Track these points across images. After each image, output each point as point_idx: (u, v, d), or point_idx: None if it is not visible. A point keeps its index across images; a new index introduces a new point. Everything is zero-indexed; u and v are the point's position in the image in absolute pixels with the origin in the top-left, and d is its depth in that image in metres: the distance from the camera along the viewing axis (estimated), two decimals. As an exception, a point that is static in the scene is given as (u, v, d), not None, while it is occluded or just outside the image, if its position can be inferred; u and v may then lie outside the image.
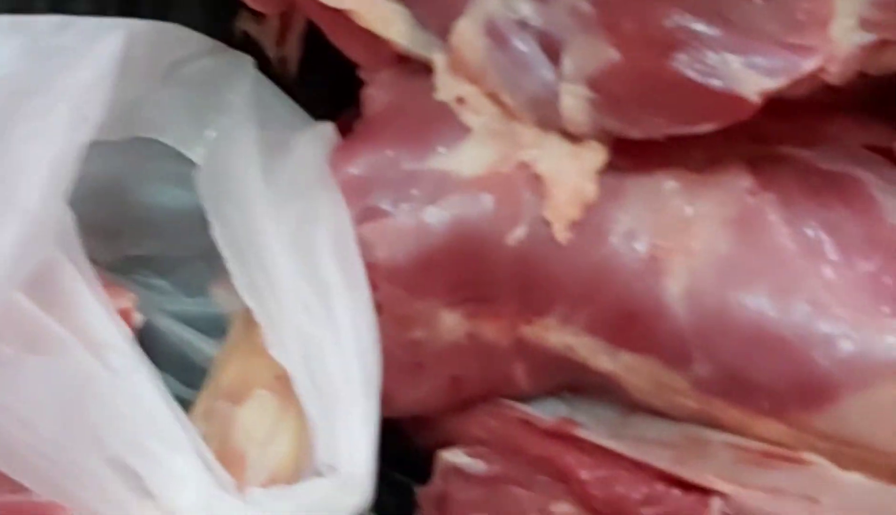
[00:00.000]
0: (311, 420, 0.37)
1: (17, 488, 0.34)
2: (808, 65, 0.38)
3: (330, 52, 0.47)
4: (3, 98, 0.37)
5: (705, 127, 0.39)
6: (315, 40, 0.51)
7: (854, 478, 0.38)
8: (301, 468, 0.38)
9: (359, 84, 0.46)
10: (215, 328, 0.46)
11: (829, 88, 0.41)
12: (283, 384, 0.39)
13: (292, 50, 0.53)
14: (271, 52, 0.52)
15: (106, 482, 0.34)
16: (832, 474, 0.39)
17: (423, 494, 0.44)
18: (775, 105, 0.43)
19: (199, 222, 0.44)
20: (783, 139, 0.43)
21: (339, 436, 0.36)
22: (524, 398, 0.44)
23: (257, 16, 0.51)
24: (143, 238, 0.47)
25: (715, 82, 0.38)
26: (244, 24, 0.52)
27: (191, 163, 0.45)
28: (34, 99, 0.37)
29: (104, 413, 0.35)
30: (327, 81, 0.51)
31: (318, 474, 0.37)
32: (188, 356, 0.46)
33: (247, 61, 0.45)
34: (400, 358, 0.42)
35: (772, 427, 0.40)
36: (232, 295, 0.44)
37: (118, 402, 0.35)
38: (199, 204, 0.44)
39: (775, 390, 0.40)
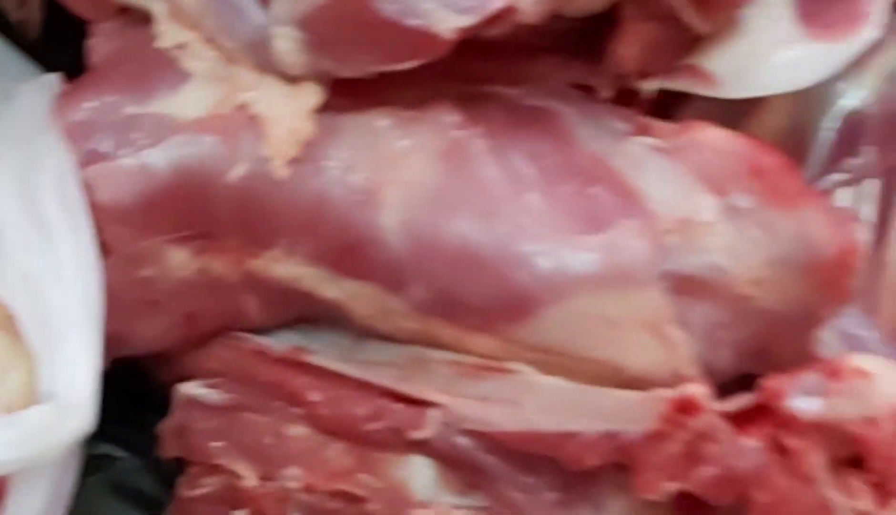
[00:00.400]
0: (35, 353, 0.38)
1: None
2: (497, 3, 0.41)
3: (71, 16, 0.48)
4: None
5: (408, 64, 0.42)
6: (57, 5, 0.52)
7: (553, 382, 0.42)
8: (33, 402, 0.40)
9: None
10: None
11: (534, 31, 0.44)
12: (12, 323, 0.40)
13: (33, 13, 0.53)
14: (13, 14, 0.52)
15: None
16: (535, 379, 0.42)
17: (164, 427, 0.46)
18: (483, 47, 0.46)
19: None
20: (491, 79, 0.47)
21: (59, 365, 0.38)
22: (259, 330, 0.46)
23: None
24: None
25: (412, 21, 0.41)
26: (-16, -12, 0.53)
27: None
28: None
29: None
30: (70, 44, 0.52)
31: (41, 402, 0.38)
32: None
33: (-34, 14, 0.46)
34: (133, 297, 0.44)
35: (483, 342, 0.44)
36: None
37: None
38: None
39: (483, 307, 0.43)
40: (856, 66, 0.52)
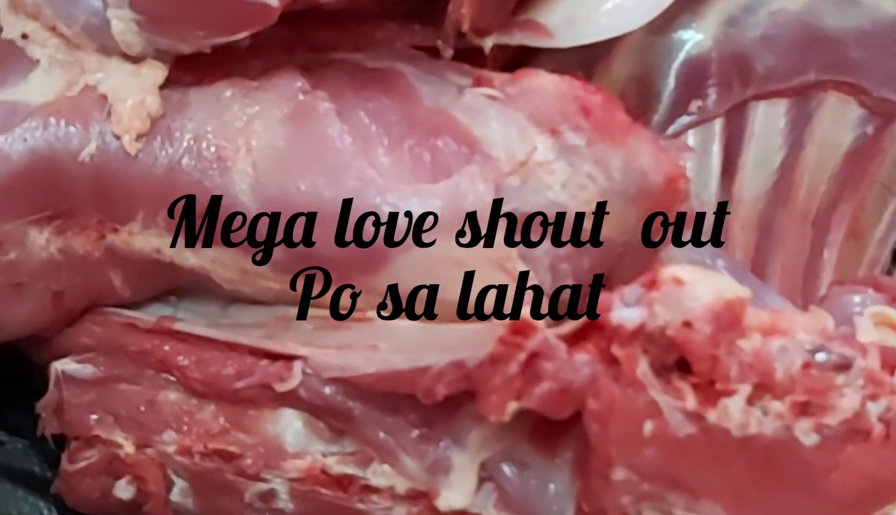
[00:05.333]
0: None
1: None
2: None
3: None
4: None
5: (239, 35, 0.44)
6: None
7: (404, 324, 0.44)
8: None
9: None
10: None
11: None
12: None
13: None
14: None
15: None
16: (391, 324, 0.44)
17: (42, 405, 0.47)
18: (327, 16, 0.48)
19: None
20: (336, 46, 0.49)
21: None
22: (129, 304, 0.48)
23: None
24: None
25: (238, -8, 0.43)
26: None
27: None
28: None
29: None
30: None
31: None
32: None
33: None
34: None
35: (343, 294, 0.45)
36: None
37: None
38: None
39: (338, 260, 0.45)
40: (696, 13, 0.55)
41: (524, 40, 0.50)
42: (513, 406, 0.39)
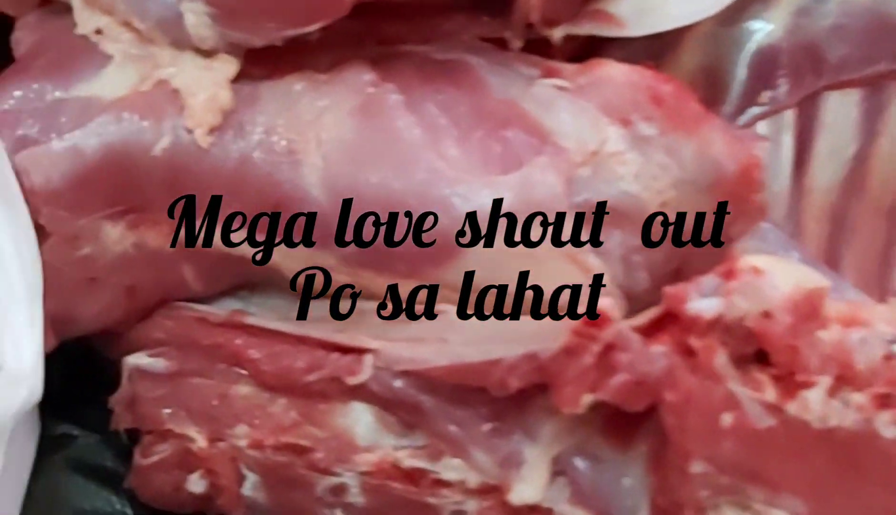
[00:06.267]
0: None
1: None
2: (394, -39, 0.43)
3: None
4: None
5: (312, 26, 0.44)
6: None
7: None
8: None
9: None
10: None
11: (440, -10, 0.46)
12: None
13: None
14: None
15: None
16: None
17: (115, 399, 0.48)
18: (396, 9, 0.48)
19: None
20: (405, 39, 0.49)
21: (5, 338, 0.40)
22: (200, 299, 0.48)
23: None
24: None
25: (313, -16, 0.43)
26: None
27: None
28: None
29: None
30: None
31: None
32: None
33: None
34: (74, 276, 0.45)
35: (412, 287, 0.45)
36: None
37: None
38: None
39: (408, 253, 0.45)
40: (766, 2, 0.54)
41: (594, 30, 0.49)
42: (587, 399, 0.39)
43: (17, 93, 0.45)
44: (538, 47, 0.49)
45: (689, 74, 0.54)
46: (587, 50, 0.52)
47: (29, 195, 0.44)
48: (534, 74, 0.47)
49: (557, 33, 0.49)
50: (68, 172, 0.44)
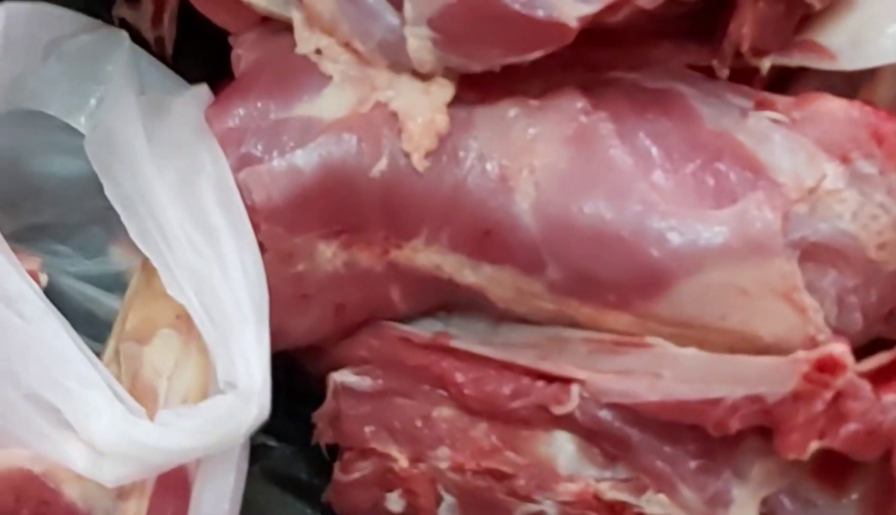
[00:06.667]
0: (211, 348, 0.41)
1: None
2: (618, -10, 0.43)
3: (202, 30, 0.51)
4: None
5: (535, 54, 0.44)
6: (187, 20, 0.55)
7: (690, 352, 0.43)
8: (207, 394, 0.42)
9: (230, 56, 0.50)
10: (115, 284, 0.50)
11: (652, 17, 0.45)
12: (183, 321, 0.43)
13: (167, 31, 0.55)
14: (148, 34, 0.55)
15: (27, 415, 0.38)
16: (671, 351, 0.44)
17: (318, 415, 0.48)
18: (605, 35, 0.48)
19: (91, 187, 0.47)
20: (613, 65, 0.48)
21: (235, 357, 0.41)
22: (403, 318, 0.49)
23: (132, 2, 0.54)
24: (41, 207, 0.50)
25: (538, 12, 0.43)
26: (120, 11, 0.55)
27: (78, 133, 0.48)
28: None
29: (21, 356, 0.38)
30: (201, 58, 0.55)
31: (220, 393, 0.41)
32: (92, 311, 0.50)
33: (122, 35, 0.49)
34: (287, 292, 0.46)
35: (619, 319, 0.45)
36: (128, 253, 0.49)
37: (32, 346, 0.39)
38: (89, 171, 0.47)
39: (618, 284, 0.44)
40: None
41: (804, 62, 0.48)
42: (814, 446, 0.38)
43: (241, 111, 0.46)
44: (738, 75, 0.49)
45: (883, 106, 0.53)
46: (782, 78, 0.51)
47: (249, 212, 0.44)
48: (746, 106, 0.46)
49: (765, 63, 0.48)
50: (288, 191, 0.45)
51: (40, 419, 0.39)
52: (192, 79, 0.51)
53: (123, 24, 0.55)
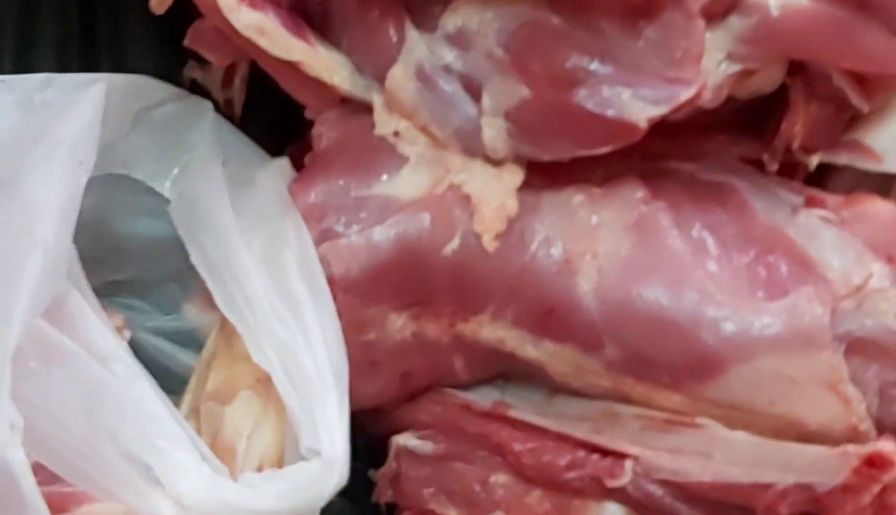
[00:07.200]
0: (292, 414, 0.43)
1: (54, 479, 0.40)
2: (686, 94, 0.45)
3: (269, 93, 0.54)
4: (7, 149, 0.43)
5: (604, 149, 0.46)
6: (256, 83, 0.57)
7: (740, 436, 0.46)
8: (283, 456, 0.45)
9: (296, 121, 0.53)
10: (189, 340, 0.53)
11: (706, 111, 0.48)
12: (263, 385, 0.45)
13: (237, 93, 0.57)
14: (218, 96, 0.57)
15: (122, 472, 0.40)
16: (722, 433, 0.46)
17: (380, 475, 0.51)
18: (662, 127, 0.50)
19: (169, 247, 0.50)
20: (670, 156, 0.51)
21: (319, 425, 0.43)
22: (463, 386, 0.51)
23: (204, 64, 0.57)
24: (122, 264, 0.52)
25: (609, 112, 0.45)
26: (192, 72, 0.57)
27: (160, 196, 0.51)
28: (35, 148, 0.43)
29: (116, 415, 0.41)
30: (268, 120, 0.58)
31: (303, 459, 0.43)
32: (166, 366, 0.52)
33: (207, 105, 0.51)
34: (357, 359, 0.48)
35: (672, 398, 0.48)
36: (201, 312, 0.51)
37: (126, 405, 0.41)
38: (168, 232, 0.50)
39: (673, 367, 0.47)
40: None
41: (851, 161, 0.51)
42: (860, 534, 0.41)
43: (323, 187, 0.48)
44: (784, 167, 0.51)
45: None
46: (818, 170, 0.53)
47: (328, 283, 0.47)
48: (797, 202, 0.49)
49: (813, 160, 0.51)
50: (365, 265, 0.47)
51: (134, 475, 0.41)
52: (257, 140, 0.54)
53: (194, 84, 0.57)
